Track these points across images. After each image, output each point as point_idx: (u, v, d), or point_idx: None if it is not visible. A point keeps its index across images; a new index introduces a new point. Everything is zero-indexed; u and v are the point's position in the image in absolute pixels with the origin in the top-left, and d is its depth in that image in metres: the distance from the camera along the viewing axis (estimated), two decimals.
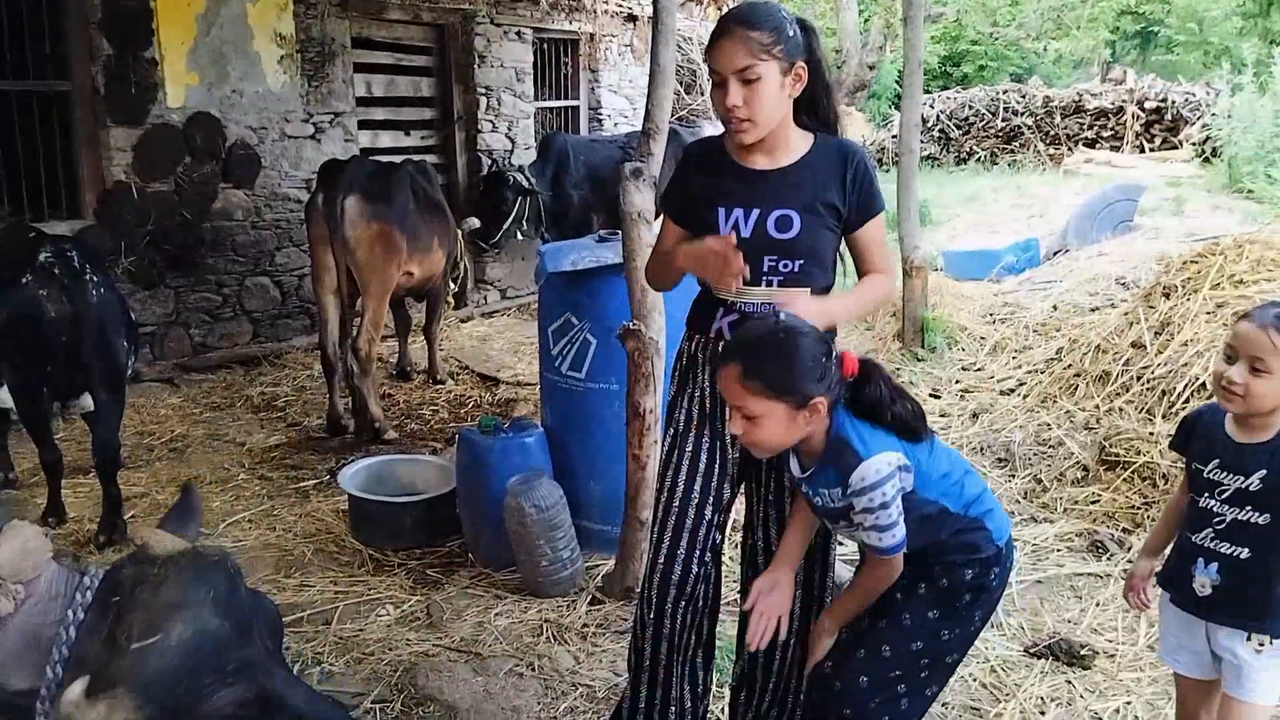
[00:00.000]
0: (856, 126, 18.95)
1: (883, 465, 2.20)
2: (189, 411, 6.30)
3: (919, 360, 6.65)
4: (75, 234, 5.46)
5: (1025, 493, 4.88)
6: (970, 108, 19.19)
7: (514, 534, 4.01)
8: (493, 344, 8.00)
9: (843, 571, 3.90)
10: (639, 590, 2.87)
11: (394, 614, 3.89)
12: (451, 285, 7.13)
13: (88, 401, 4.50)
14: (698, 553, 2.76)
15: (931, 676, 2.40)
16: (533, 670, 3.49)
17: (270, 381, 6.93)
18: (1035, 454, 5.16)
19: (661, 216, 2.89)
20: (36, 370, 4.27)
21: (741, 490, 2.85)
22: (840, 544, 3.68)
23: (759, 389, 2.19)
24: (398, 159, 6.76)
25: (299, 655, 3.57)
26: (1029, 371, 6.12)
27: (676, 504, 2.75)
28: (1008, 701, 3.26)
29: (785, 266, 2.59)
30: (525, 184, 8.43)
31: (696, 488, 2.75)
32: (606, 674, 3.45)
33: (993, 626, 3.71)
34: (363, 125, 8.24)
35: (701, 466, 2.75)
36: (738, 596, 3.16)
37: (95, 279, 4.35)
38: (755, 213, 2.57)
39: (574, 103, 10.79)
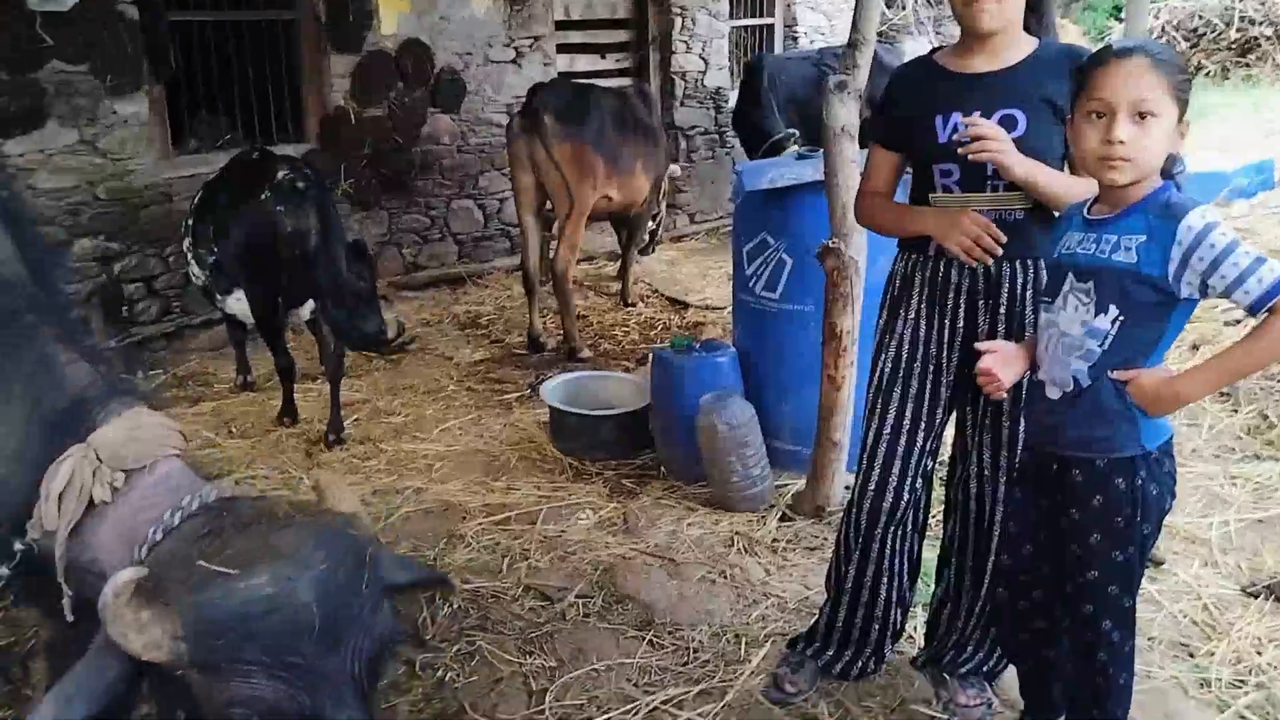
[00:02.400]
0: (1071, 40, 17.74)
1: (1208, 214, 2.02)
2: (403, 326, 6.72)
3: None
4: (301, 157, 5.85)
5: (1249, 429, 4.58)
6: (1200, 17, 17.54)
7: (705, 450, 4.11)
8: (681, 268, 8.09)
9: None
10: (844, 514, 2.90)
11: (593, 519, 4.09)
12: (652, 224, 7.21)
13: (309, 310, 4.89)
14: (909, 480, 2.76)
15: (1128, 594, 2.27)
16: (725, 578, 3.61)
17: (474, 300, 7.28)
18: (1261, 389, 4.82)
19: (870, 147, 2.84)
20: (271, 281, 4.66)
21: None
22: None
23: (1168, 85, 2.03)
24: (600, 83, 6.86)
25: (507, 550, 3.82)
26: None
27: (887, 431, 2.75)
28: (1220, 640, 3.13)
29: None
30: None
31: (908, 415, 2.74)
32: (798, 587, 3.53)
33: (1207, 564, 3.55)
34: (560, 49, 8.38)
35: (914, 392, 2.73)
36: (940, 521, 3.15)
37: (320, 196, 4.68)
38: (976, 114, 2.47)
39: (769, 20, 10.58)
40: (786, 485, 4.22)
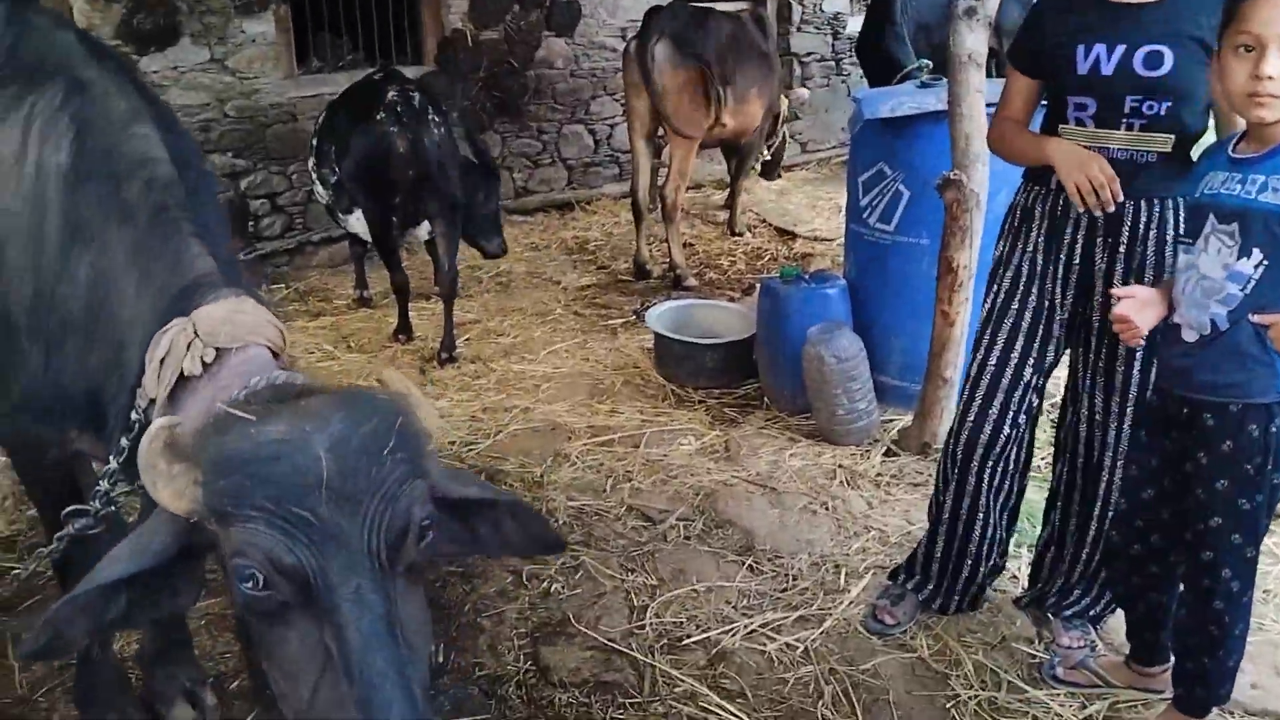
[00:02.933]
0: None
1: None
2: (512, 250, 6.76)
3: None
4: (419, 79, 5.93)
5: None
6: None
7: (811, 382, 4.11)
8: (791, 198, 7.98)
9: None
10: (944, 444, 2.89)
11: (695, 445, 4.14)
12: (764, 152, 7.09)
13: (425, 231, 5.01)
14: (1010, 414, 2.73)
15: (1250, 545, 2.22)
16: (826, 509, 3.63)
17: (582, 226, 7.34)
18: None
19: (1008, 71, 2.76)
20: (387, 200, 4.78)
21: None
22: None
23: None
24: (719, 7, 6.74)
25: (611, 471, 3.91)
26: None
27: (993, 363, 2.71)
28: None
29: (1150, 108, 2.41)
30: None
31: (1017, 348, 2.69)
32: (900, 521, 3.53)
33: None
34: None
35: (1025, 326, 2.68)
36: (1049, 463, 3.11)
37: (438, 118, 4.76)
38: (1120, 48, 2.39)
39: None
40: (892, 420, 4.20)
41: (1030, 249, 2.66)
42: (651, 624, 3.03)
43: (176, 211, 1.88)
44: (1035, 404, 2.78)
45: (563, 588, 3.21)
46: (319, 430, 1.39)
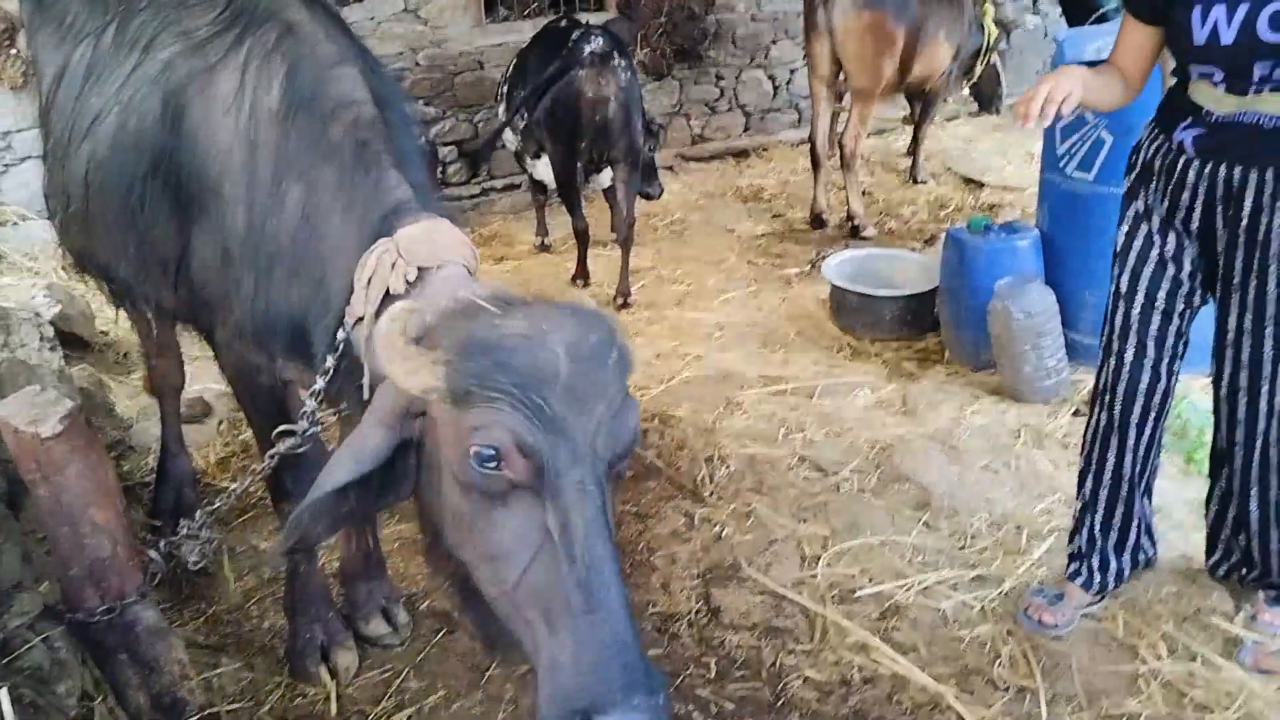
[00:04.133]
0: None
1: None
2: (686, 198, 6.82)
3: None
4: (603, 25, 5.97)
5: None
6: None
7: (997, 337, 3.96)
8: (979, 145, 7.62)
9: None
10: (1098, 400, 2.73)
11: (871, 398, 4.08)
12: (962, 85, 6.75)
13: (607, 178, 5.07)
14: (1166, 360, 2.60)
15: None
16: (1008, 469, 3.52)
17: (758, 174, 7.25)
18: None
19: (1123, 19, 2.55)
20: (572, 146, 4.86)
21: None
22: None
23: None
24: None
25: (783, 421, 3.90)
26: None
27: (1137, 310, 2.58)
28: None
29: None
30: None
31: (1160, 297, 2.55)
32: None
33: None
34: None
35: (1150, 274, 2.55)
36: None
37: (622, 64, 4.79)
38: (1242, 10, 2.19)
39: None
40: (1083, 380, 4.00)
41: (1151, 202, 2.52)
42: (823, 574, 3.04)
43: (378, 145, 1.98)
44: (1185, 346, 2.63)
45: (734, 532, 3.24)
46: (556, 331, 1.50)
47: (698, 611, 2.91)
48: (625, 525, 3.29)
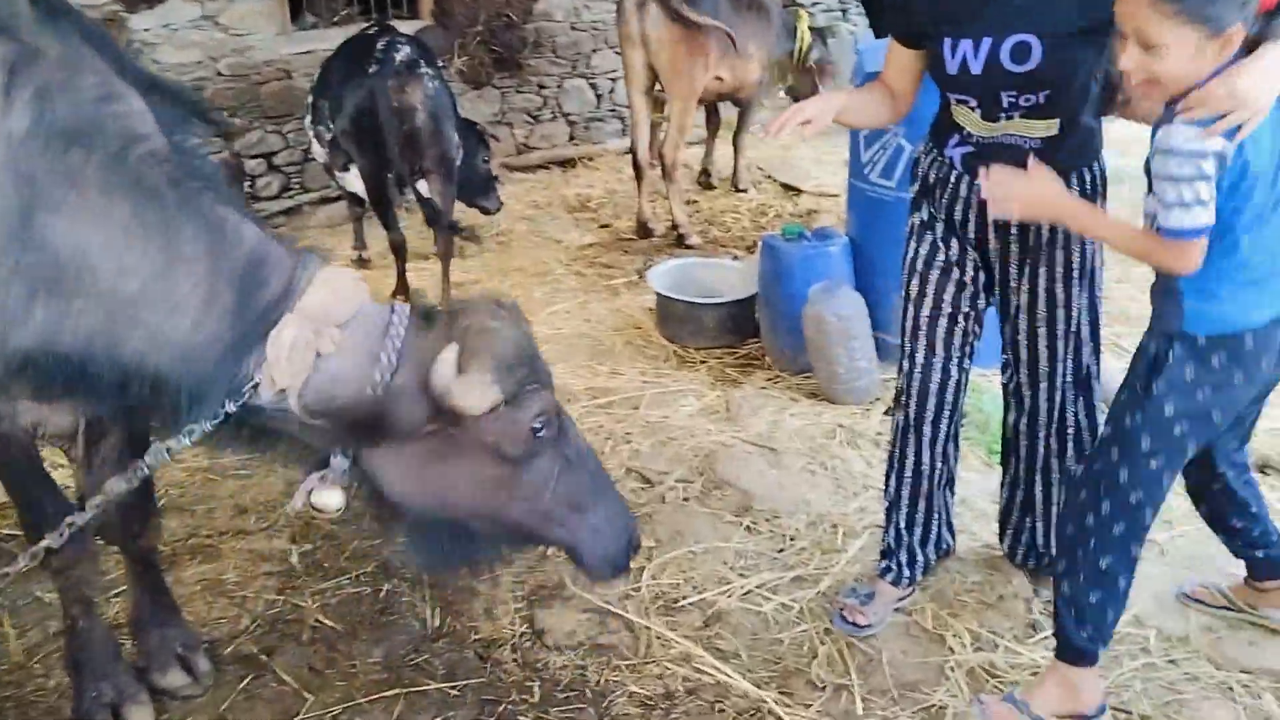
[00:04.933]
0: None
1: (1194, 140, 1.96)
2: (512, 208, 6.72)
3: None
4: (415, 33, 5.84)
5: None
6: None
7: (811, 341, 4.07)
8: (797, 153, 7.84)
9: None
10: (898, 401, 2.85)
11: (695, 405, 4.11)
12: (777, 93, 6.89)
13: (424, 188, 4.95)
14: (955, 359, 2.71)
15: (1131, 480, 2.28)
16: (825, 469, 3.61)
17: (584, 183, 7.24)
18: None
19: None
20: (381, 157, 4.70)
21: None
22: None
23: (1170, 11, 1.93)
24: None
25: (610, 433, 3.88)
26: None
27: (926, 313, 2.69)
28: None
29: (1027, 100, 2.37)
30: None
31: (947, 299, 2.66)
32: None
33: None
34: None
35: (937, 278, 2.66)
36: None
37: (429, 73, 4.68)
38: (986, 43, 2.33)
39: None
40: (893, 379, 4.12)
41: (933, 211, 2.65)
42: (648, 586, 3.03)
43: (191, 183, 1.85)
44: (973, 345, 2.75)
45: (558, 551, 3.19)
46: (518, 323, 1.93)
47: (521, 635, 2.85)
48: None
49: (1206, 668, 2.64)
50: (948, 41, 2.37)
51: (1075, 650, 2.40)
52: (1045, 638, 2.75)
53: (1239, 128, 1.96)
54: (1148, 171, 2.12)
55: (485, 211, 5.57)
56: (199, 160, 1.96)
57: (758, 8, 6.17)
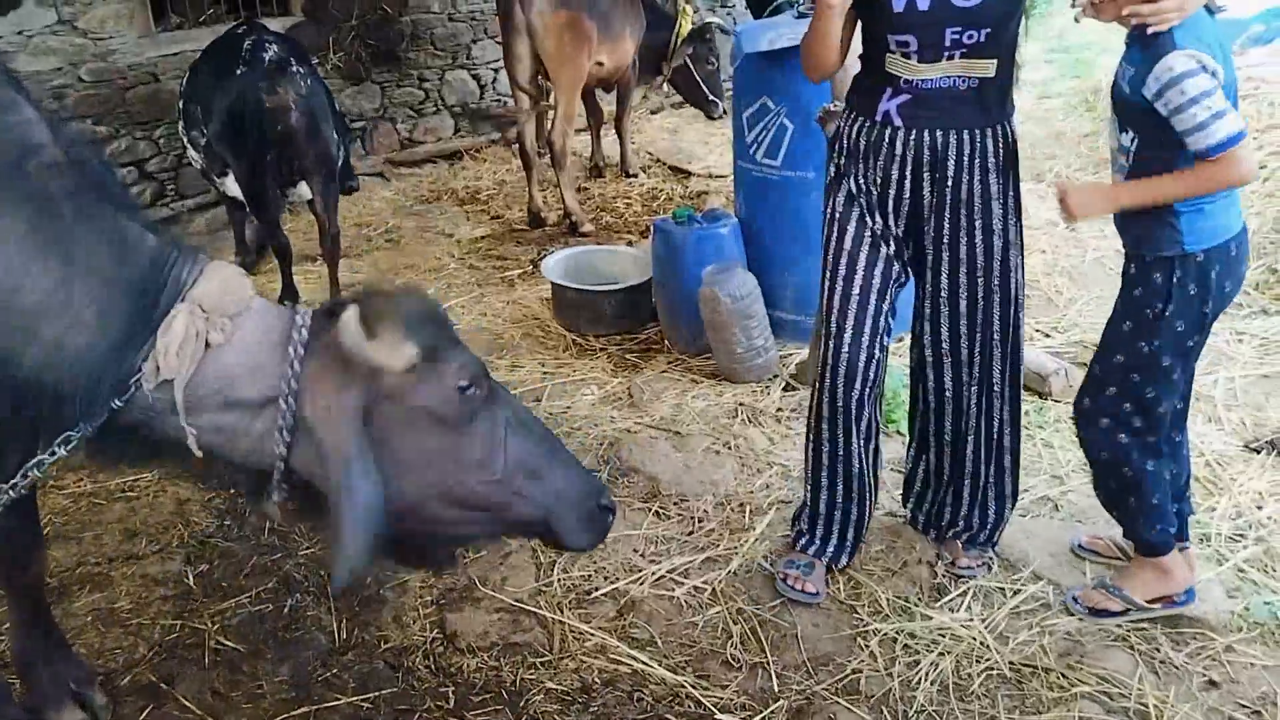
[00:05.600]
0: None
1: (1189, 61, 2.17)
2: (400, 204, 6.62)
3: None
4: (287, 30, 5.66)
5: (1257, 284, 4.52)
6: None
7: (709, 322, 4.09)
8: (684, 136, 7.89)
9: (1045, 363, 3.80)
10: (819, 381, 2.85)
11: (598, 394, 4.10)
12: (658, 81, 6.85)
13: (305, 190, 4.80)
14: (879, 338, 2.75)
15: (1154, 387, 2.47)
16: (729, 449, 3.64)
17: (473, 175, 7.13)
18: (1271, 242, 4.74)
19: None
20: (257, 160, 4.54)
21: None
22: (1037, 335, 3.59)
23: None
24: None
25: None
26: (1271, 154, 5.53)
27: (855, 292, 2.71)
28: (1221, 496, 3.16)
29: (970, 37, 2.42)
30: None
31: (875, 274, 2.69)
32: (800, 455, 3.53)
33: (1210, 421, 3.56)
34: None
35: (866, 252, 2.69)
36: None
37: (301, 70, 4.53)
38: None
39: None
40: (790, 355, 4.21)
41: (860, 179, 2.67)
42: (559, 580, 3.01)
43: (87, 191, 1.81)
44: (891, 324, 2.81)
45: (466, 551, 3.15)
46: (428, 299, 1.97)
47: (433, 640, 2.80)
48: None
49: (1104, 619, 2.74)
50: None
51: (1156, 545, 2.62)
52: (952, 599, 2.83)
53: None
54: (1115, 101, 2.38)
55: (346, 191, 5.39)
56: (95, 169, 1.91)
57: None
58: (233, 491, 2.40)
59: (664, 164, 7.16)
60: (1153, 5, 2.17)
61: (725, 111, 6.59)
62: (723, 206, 5.16)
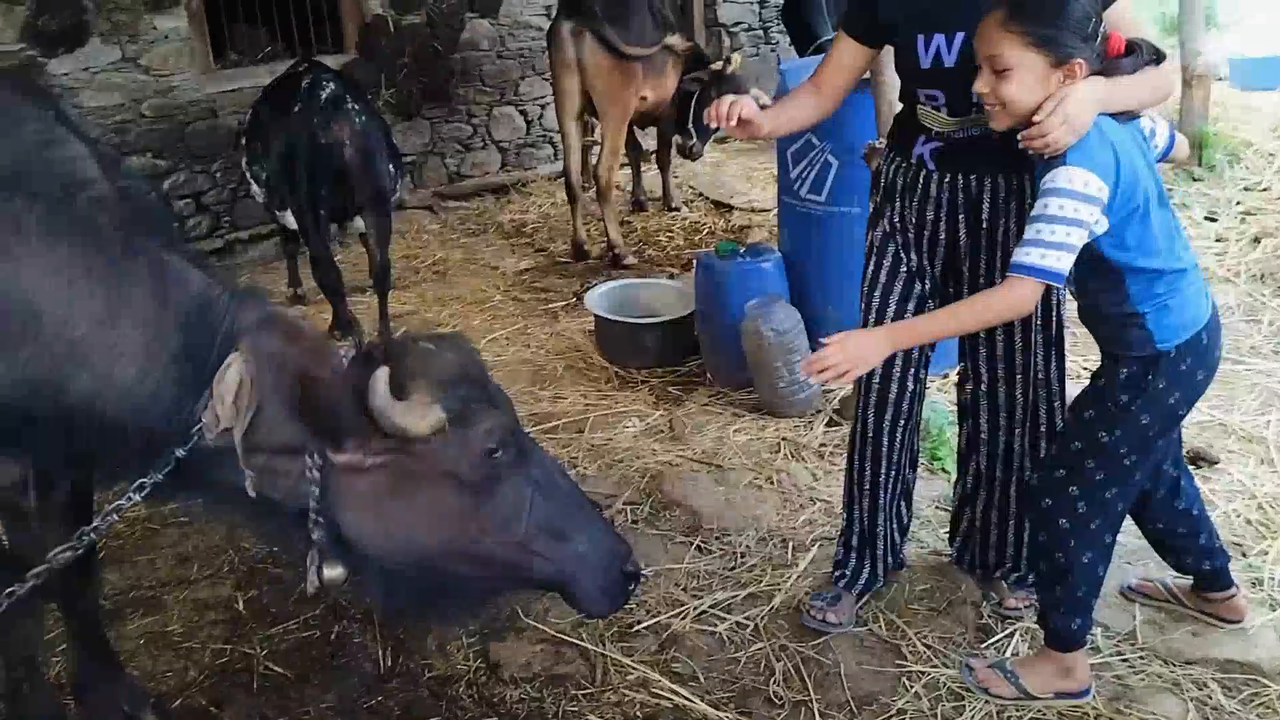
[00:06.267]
0: None
1: (1082, 179, 2.09)
2: (448, 237, 6.73)
3: (1194, 180, 6.06)
4: (341, 67, 5.80)
5: None
6: None
7: (751, 356, 4.10)
8: (726, 170, 7.94)
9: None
10: (854, 413, 2.89)
11: (639, 426, 4.12)
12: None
13: (360, 223, 4.91)
14: (912, 369, 2.75)
15: (1107, 478, 2.38)
16: (771, 484, 3.64)
17: (518, 209, 7.24)
18: None
19: (836, 39, 2.69)
20: (312, 194, 4.65)
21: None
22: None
23: (1020, 34, 2.10)
24: None
25: (556, 459, 3.86)
26: None
27: (889, 320, 2.71)
28: (1274, 539, 3.10)
29: None
30: None
31: (908, 311, 2.69)
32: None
33: (1263, 463, 3.50)
34: None
35: (900, 289, 2.70)
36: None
37: (357, 108, 4.65)
38: (959, 36, 2.37)
39: None
40: (833, 390, 4.21)
41: (898, 221, 2.69)
42: None
43: (135, 227, 1.86)
44: (929, 354, 2.82)
45: (483, 605, 3.16)
46: (461, 347, 1.91)
47: (476, 670, 2.82)
48: None
49: (1154, 663, 2.69)
50: (921, 37, 2.42)
51: (1067, 638, 2.53)
52: (998, 640, 2.80)
53: (1119, 167, 2.12)
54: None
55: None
56: (143, 203, 1.99)
57: (670, 28, 6.26)
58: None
59: (706, 198, 7.21)
60: (1043, 140, 2.12)
61: (700, 154, 6.51)
62: (766, 241, 5.20)
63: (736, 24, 8.91)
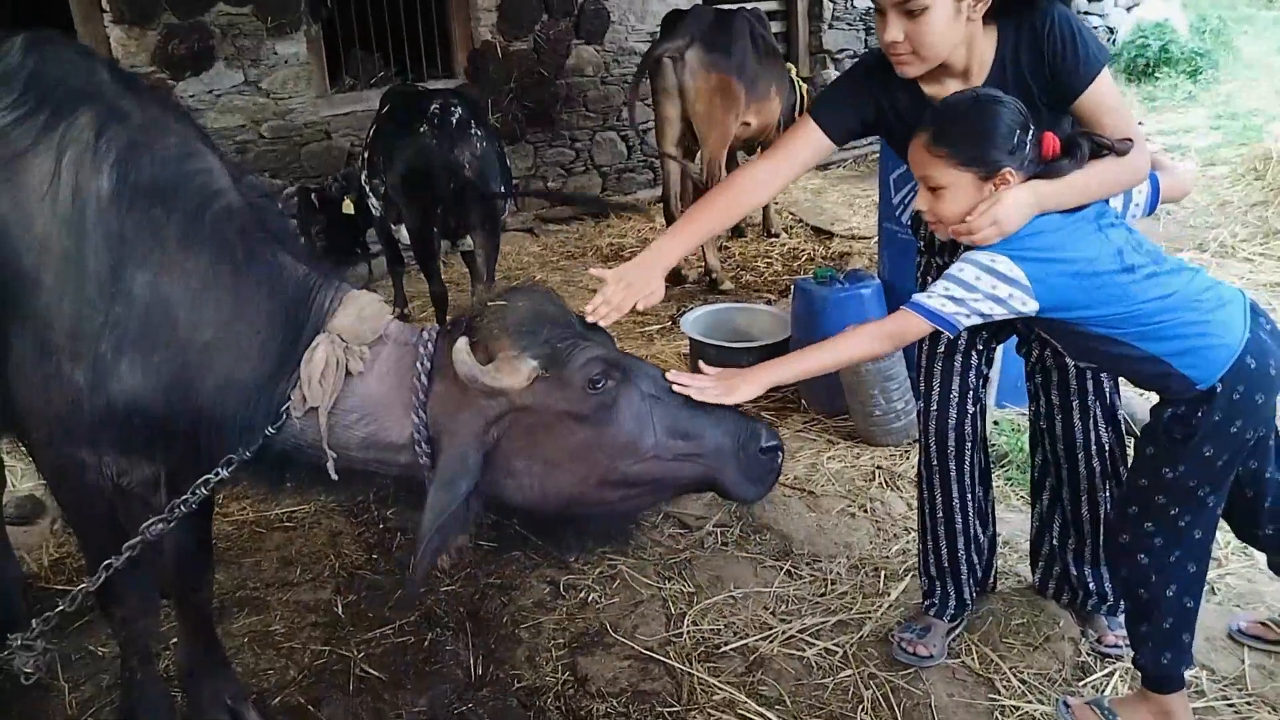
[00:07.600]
0: None
1: (990, 261, 2.13)
2: (547, 259, 6.85)
3: None
4: (456, 90, 5.98)
5: None
6: None
7: (847, 383, 4.07)
8: (826, 197, 7.92)
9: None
10: (919, 440, 2.88)
11: None
12: None
13: (469, 242, 5.05)
14: (970, 393, 2.73)
15: (1180, 511, 2.29)
16: (864, 512, 3.60)
17: (617, 233, 7.34)
18: None
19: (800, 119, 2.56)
20: (427, 211, 4.80)
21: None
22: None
23: (945, 156, 2.14)
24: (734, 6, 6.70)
25: None
26: None
27: (940, 351, 2.71)
28: None
29: None
30: None
31: (959, 341, 2.67)
32: None
33: None
34: None
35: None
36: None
37: (478, 132, 4.78)
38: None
39: None
40: None
41: (941, 250, 2.70)
42: (689, 632, 3.02)
43: (257, 231, 2.01)
44: (985, 379, 2.79)
45: (600, 597, 3.21)
46: (532, 293, 1.99)
47: (564, 682, 2.85)
48: (488, 598, 3.22)
49: (1262, 710, 2.58)
50: (892, 179, 2.58)
51: (1161, 678, 2.43)
52: (1096, 679, 2.72)
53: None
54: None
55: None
56: (268, 213, 2.11)
57: (773, 53, 6.30)
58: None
59: (806, 224, 7.20)
60: (969, 238, 2.14)
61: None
62: (865, 268, 5.15)
63: (841, 51, 8.91)
